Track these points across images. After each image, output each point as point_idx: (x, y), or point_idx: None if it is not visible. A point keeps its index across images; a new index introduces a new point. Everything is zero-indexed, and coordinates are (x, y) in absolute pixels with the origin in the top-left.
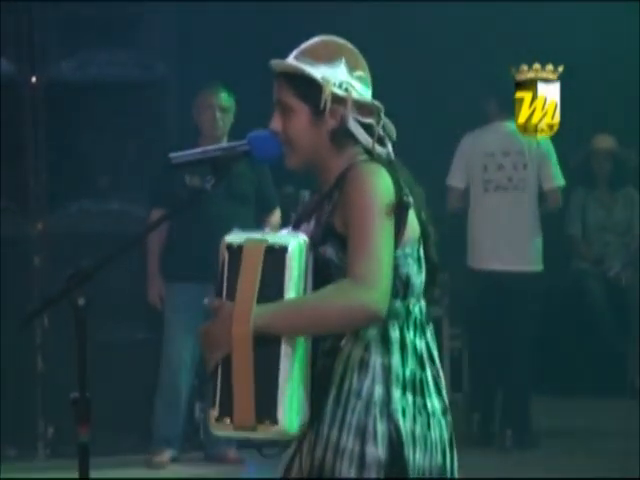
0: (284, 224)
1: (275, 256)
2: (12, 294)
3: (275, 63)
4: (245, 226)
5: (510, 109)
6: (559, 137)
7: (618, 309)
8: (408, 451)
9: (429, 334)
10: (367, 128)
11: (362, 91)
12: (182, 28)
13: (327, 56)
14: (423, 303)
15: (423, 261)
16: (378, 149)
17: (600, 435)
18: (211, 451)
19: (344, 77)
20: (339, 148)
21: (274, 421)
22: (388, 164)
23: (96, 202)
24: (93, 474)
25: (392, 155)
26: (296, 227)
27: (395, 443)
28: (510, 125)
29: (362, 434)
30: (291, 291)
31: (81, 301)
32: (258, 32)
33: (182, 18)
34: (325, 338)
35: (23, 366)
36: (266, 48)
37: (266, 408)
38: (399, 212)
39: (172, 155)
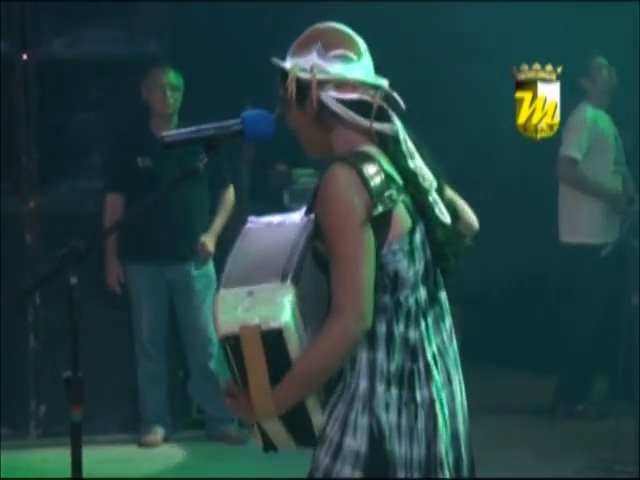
0: (278, 203)
1: (273, 338)
2: (3, 272)
3: (274, 62)
4: (200, 204)
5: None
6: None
7: (610, 287)
8: (391, 445)
9: (429, 322)
10: (359, 104)
11: (338, 69)
12: (174, 5)
13: (304, 45)
14: (422, 292)
15: (419, 251)
16: (378, 127)
17: (591, 414)
18: (212, 430)
19: (314, 60)
20: (330, 130)
21: (313, 444)
22: (380, 148)
23: (88, 181)
24: (85, 453)
25: (397, 129)
26: (308, 212)
27: (376, 437)
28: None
29: (343, 425)
30: (297, 353)
31: (73, 280)
32: (251, 9)
33: None
34: None
35: (15, 344)
36: (259, 27)
37: (304, 440)
38: (378, 219)
39: (165, 134)
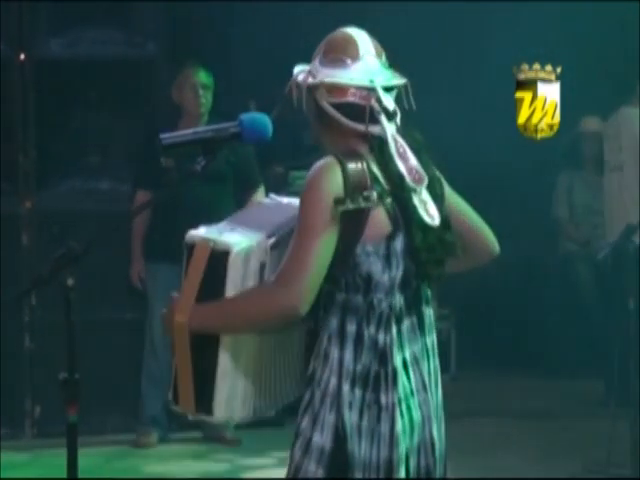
0: None
1: (218, 258)
2: (0, 272)
3: None
4: (224, 206)
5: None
6: None
7: (606, 291)
8: (352, 444)
9: (402, 328)
10: (350, 107)
11: (326, 73)
12: (171, 6)
13: (317, 50)
14: (398, 298)
15: (397, 257)
16: (373, 129)
17: (586, 417)
18: (208, 431)
19: (314, 66)
20: (331, 131)
21: (209, 412)
22: (370, 149)
23: (85, 181)
24: (80, 453)
25: (385, 130)
26: None
27: (340, 435)
28: (621, 110)
29: (313, 421)
30: (232, 292)
31: (70, 281)
32: (247, 10)
33: None
34: (308, 319)
35: (11, 345)
36: (256, 28)
37: (203, 400)
38: (350, 217)
39: (163, 136)
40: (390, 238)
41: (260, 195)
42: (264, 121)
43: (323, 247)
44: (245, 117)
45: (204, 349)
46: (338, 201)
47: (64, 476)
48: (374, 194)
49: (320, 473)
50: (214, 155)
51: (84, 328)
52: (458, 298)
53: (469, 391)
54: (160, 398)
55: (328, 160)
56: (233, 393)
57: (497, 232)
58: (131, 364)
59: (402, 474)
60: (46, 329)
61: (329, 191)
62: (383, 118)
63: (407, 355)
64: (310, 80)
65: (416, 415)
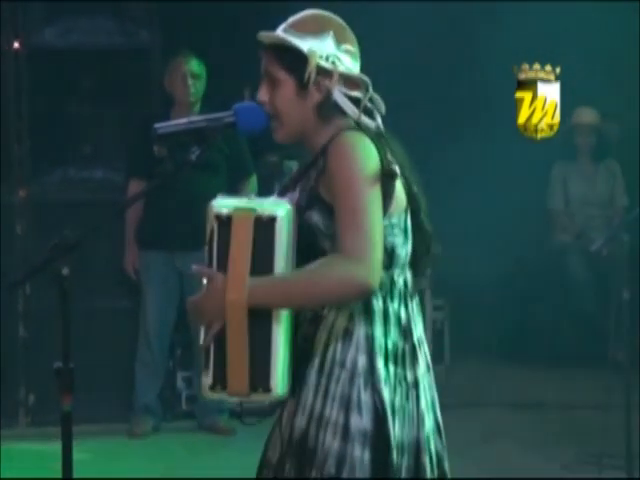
0: (268, 193)
1: (264, 226)
2: None
3: (263, 35)
4: (214, 193)
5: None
6: None
7: (600, 283)
8: (391, 422)
9: (414, 305)
10: (354, 101)
11: (349, 64)
12: None
13: (315, 29)
14: (409, 274)
15: (410, 232)
16: (366, 121)
17: (580, 408)
18: (203, 420)
19: (331, 50)
20: (325, 120)
21: (267, 389)
22: (375, 135)
23: (79, 170)
24: (74, 442)
25: (381, 128)
26: (281, 195)
27: (380, 414)
28: None
29: (346, 404)
30: (281, 260)
31: (65, 271)
32: (242, 1)
33: None
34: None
35: (5, 334)
36: (250, 17)
37: (260, 377)
38: (385, 182)
39: (157, 125)
40: (406, 212)
41: (253, 184)
42: (259, 111)
43: (380, 215)
44: (240, 107)
45: (256, 328)
46: (384, 166)
47: (58, 465)
48: (395, 164)
49: (366, 456)
50: (208, 145)
51: (78, 317)
52: (452, 289)
53: (463, 382)
54: (154, 387)
55: (354, 133)
56: (285, 366)
57: (491, 224)
58: (125, 353)
59: (427, 458)
60: (40, 318)
61: (369, 158)
62: (377, 114)
63: (420, 332)
64: (342, 69)
65: (430, 394)
